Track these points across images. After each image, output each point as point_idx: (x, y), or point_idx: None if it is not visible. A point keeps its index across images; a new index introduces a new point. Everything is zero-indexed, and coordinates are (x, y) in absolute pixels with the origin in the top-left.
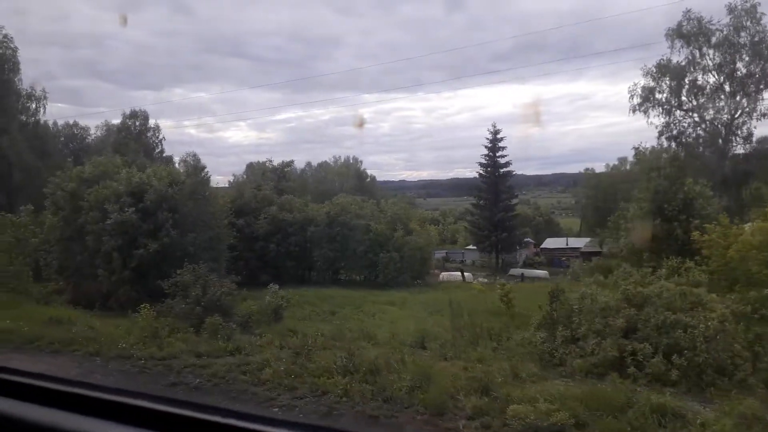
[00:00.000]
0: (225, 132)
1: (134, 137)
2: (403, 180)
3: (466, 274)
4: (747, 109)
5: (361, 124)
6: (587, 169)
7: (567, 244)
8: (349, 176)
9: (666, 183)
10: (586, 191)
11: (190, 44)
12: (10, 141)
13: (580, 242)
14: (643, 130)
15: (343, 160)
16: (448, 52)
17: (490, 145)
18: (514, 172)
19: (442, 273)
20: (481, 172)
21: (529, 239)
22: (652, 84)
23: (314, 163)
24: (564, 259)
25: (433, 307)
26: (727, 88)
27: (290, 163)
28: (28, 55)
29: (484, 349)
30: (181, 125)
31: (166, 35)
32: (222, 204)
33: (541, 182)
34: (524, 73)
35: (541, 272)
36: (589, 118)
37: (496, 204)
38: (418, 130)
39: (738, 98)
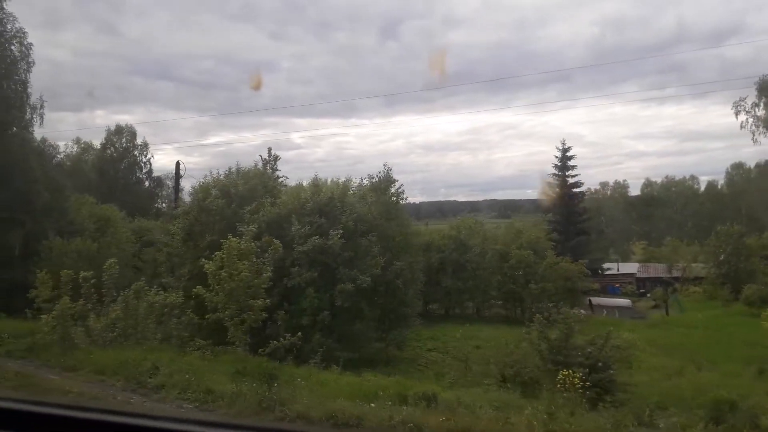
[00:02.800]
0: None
1: (120, 155)
2: None
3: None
4: None
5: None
6: None
7: (618, 270)
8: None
9: None
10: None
11: (114, 65)
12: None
13: (631, 267)
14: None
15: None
16: (381, 78)
17: (559, 164)
18: (585, 194)
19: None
20: (550, 193)
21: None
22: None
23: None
24: (618, 285)
25: (674, 350)
26: None
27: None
28: None
29: None
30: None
31: (89, 55)
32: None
33: (474, 208)
34: (454, 102)
35: (624, 301)
36: (517, 146)
37: (568, 228)
38: (352, 156)
39: None
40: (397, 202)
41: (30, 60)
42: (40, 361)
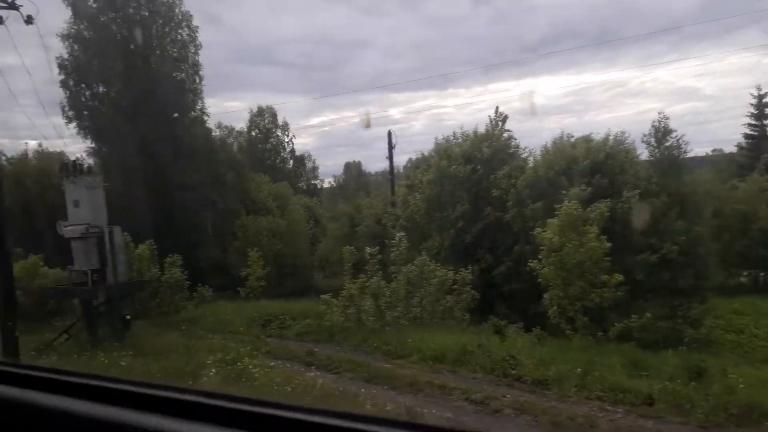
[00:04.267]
0: None
1: (264, 136)
2: None
3: None
4: None
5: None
6: None
7: None
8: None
9: None
10: None
11: (220, 54)
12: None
13: None
14: (684, 114)
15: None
16: (476, 45)
17: (756, 112)
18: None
19: None
20: (744, 145)
21: None
22: None
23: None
24: None
25: None
26: None
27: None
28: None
29: None
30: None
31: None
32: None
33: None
34: (554, 64)
35: None
36: (626, 105)
37: None
38: (450, 127)
39: None
40: (678, 156)
41: (197, 43)
42: (349, 344)
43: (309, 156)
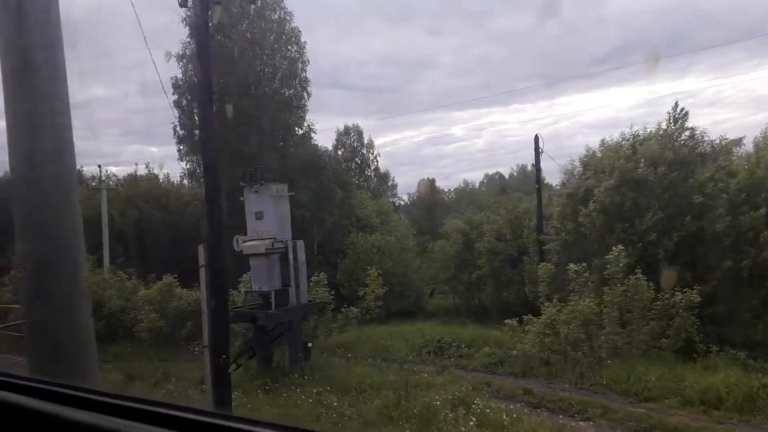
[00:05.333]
0: None
1: (350, 154)
2: None
3: None
4: None
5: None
6: None
7: None
8: None
9: None
10: None
11: None
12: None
13: None
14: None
15: None
16: (542, 60)
17: None
18: None
19: None
20: None
21: None
22: None
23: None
24: None
25: None
26: None
27: None
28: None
29: None
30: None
31: None
32: None
33: None
34: (624, 74)
35: None
36: (699, 116)
37: None
38: (513, 143)
39: None
40: None
41: (305, 59)
42: (562, 381)
43: (389, 174)
